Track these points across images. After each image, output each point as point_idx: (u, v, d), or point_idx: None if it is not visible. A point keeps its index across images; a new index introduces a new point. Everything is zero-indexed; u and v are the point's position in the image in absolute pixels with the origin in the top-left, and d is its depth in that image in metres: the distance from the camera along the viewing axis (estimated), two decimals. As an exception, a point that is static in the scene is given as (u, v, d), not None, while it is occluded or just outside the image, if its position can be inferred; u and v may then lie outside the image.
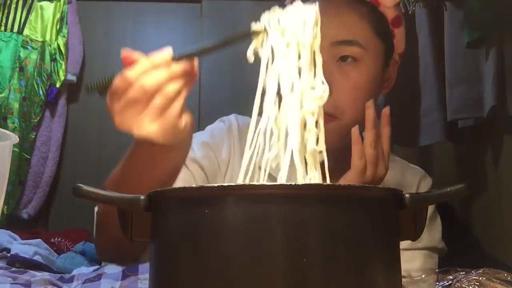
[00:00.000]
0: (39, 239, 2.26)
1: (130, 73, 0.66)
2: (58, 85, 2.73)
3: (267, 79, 0.64)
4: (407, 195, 0.55)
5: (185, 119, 0.70)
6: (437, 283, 0.82)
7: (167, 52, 0.67)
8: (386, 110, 0.86)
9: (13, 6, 2.74)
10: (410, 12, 1.56)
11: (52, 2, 2.77)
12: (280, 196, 0.51)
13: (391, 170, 1.03)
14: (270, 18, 0.66)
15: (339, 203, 0.51)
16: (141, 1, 3.01)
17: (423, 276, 0.84)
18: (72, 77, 2.80)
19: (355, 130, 0.84)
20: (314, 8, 0.66)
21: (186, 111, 0.71)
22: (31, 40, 2.71)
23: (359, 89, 0.93)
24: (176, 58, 0.67)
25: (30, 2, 2.75)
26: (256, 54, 0.66)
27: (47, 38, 2.74)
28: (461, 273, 0.81)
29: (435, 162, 2.07)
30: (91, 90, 0.69)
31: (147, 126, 0.66)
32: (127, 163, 0.79)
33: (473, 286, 0.76)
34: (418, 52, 1.78)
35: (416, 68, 1.78)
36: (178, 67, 0.67)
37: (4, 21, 2.71)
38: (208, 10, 2.97)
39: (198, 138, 1.01)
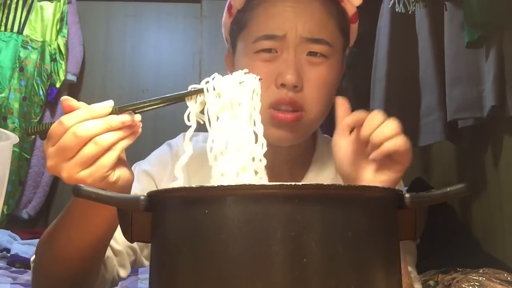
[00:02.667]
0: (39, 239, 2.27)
1: (66, 119, 0.67)
2: (58, 85, 2.73)
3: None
4: (407, 195, 0.55)
5: (120, 174, 0.69)
6: (437, 283, 0.82)
7: (108, 103, 0.68)
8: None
9: (13, 6, 2.74)
10: (410, 12, 1.56)
11: (52, 2, 2.77)
12: (280, 196, 0.51)
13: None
14: (209, 83, 0.69)
15: (339, 203, 0.51)
16: (141, 1, 3.01)
17: None
18: (72, 77, 2.80)
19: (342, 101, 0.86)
20: (256, 79, 0.69)
21: (124, 167, 0.71)
22: (31, 40, 2.71)
23: (326, 84, 0.93)
24: (116, 110, 0.68)
25: (30, 2, 2.75)
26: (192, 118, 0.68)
27: (47, 38, 2.74)
28: (461, 273, 0.81)
29: (435, 162, 2.07)
30: (30, 133, 0.72)
31: (75, 173, 0.66)
32: (62, 215, 0.78)
33: (473, 286, 0.76)
34: (418, 52, 1.78)
35: (416, 68, 1.78)
36: (116, 118, 0.67)
37: (4, 21, 2.71)
38: (208, 10, 2.97)
39: (140, 166, 1.00)
